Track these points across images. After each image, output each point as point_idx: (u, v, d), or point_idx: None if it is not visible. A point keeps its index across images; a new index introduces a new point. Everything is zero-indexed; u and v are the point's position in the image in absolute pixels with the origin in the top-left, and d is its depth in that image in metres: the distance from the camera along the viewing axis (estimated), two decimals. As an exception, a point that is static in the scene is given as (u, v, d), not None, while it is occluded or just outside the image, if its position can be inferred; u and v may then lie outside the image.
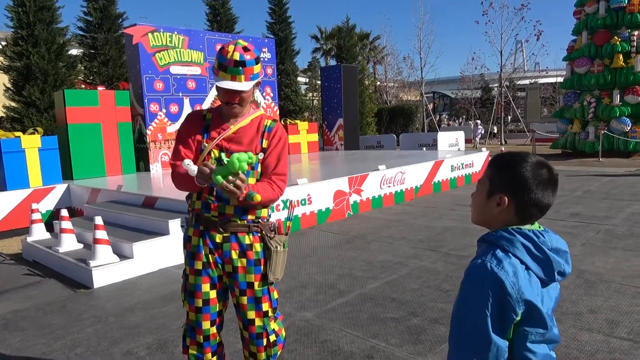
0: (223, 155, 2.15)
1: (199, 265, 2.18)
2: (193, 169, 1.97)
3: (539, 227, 1.30)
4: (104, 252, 4.80)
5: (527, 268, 1.22)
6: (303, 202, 6.77)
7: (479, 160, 10.82)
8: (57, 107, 9.34)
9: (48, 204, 7.88)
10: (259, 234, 2.21)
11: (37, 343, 3.45)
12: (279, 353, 2.37)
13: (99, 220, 4.86)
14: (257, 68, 2.10)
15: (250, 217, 2.18)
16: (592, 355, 2.85)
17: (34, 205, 6.40)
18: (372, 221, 6.99)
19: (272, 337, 2.29)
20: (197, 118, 2.24)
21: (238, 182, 1.92)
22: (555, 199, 1.28)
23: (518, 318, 1.19)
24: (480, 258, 1.23)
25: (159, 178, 9.03)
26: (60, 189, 8.10)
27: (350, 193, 7.51)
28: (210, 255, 2.18)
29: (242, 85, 2.07)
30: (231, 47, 2.04)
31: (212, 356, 2.29)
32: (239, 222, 2.16)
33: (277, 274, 2.23)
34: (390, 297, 3.96)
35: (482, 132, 13.06)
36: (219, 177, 1.91)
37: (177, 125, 10.31)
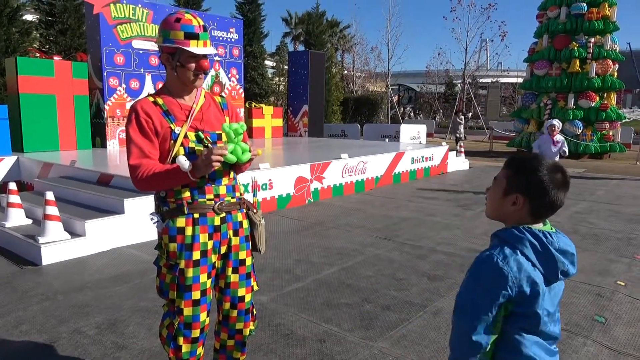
0: (200, 134, 2.08)
1: (197, 256, 2.06)
2: (188, 164, 1.90)
3: (551, 229, 1.38)
4: (54, 229, 4.64)
5: (533, 265, 1.31)
6: (264, 186, 6.75)
7: (438, 154, 11.08)
8: (8, 75, 8.86)
9: (-5, 176, 7.51)
10: (245, 210, 2.23)
11: (-21, 320, 3.32)
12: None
13: (50, 195, 4.69)
14: None
15: (237, 194, 2.18)
16: (532, 343, 3.02)
17: (-20, 177, 6.10)
18: (332, 209, 7.06)
19: (255, 310, 2.34)
20: (152, 107, 2.04)
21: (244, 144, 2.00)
22: (565, 199, 1.38)
23: (510, 306, 1.30)
24: (490, 251, 1.34)
25: (116, 155, 8.76)
26: (8, 161, 7.73)
27: (312, 180, 7.54)
28: (208, 242, 2.09)
29: (213, 49, 2.09)
30: (189, 15, 2.01)
31: (202, 347, 2.22)
32: (231, 200, 2.14)
33: (264, 246, 2.31)
34: (345, 284, 4.03)
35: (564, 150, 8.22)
36: (233, 155, 1.95)
37: (137, 102, 9.99)
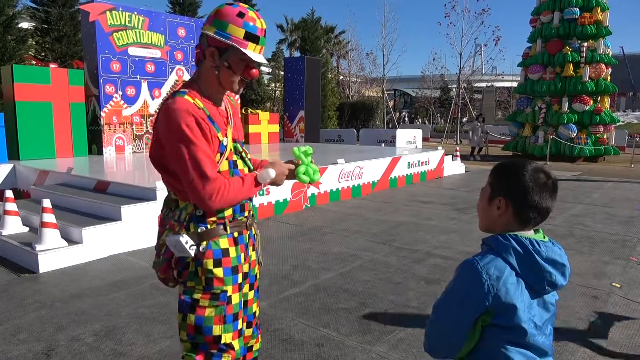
0: (238, 145, 1.86)
1: (239, 279, 1.82)
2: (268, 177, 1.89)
3: (543, 237, 1.34)
4: (51, 236, 4.64)
5: (517, 274, 1.27)
6: (261, 192, 6.76)
7: (434, 158, 11.12)
8: (4, 83, 8.86)
9: (-9, 184, 7.50)
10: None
11: (-24, 328, 3.31)
12: None
13: (47, 203, 4.69)
14: None
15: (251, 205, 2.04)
16: (528, 346, 3.04)
17: (-24, 185, 6.09)
18: (329, 214, 7.08)
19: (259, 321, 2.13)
20: (199, 111, 1.67)
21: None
22: (554, 204, 1.33)
23: (488, 319, 1.28)
24: (474, 257, 1.32)
25: (112, 162, 8.76)
26: (5, 168, 7.72)
27: (308, 185, 7.56)
28: (244, 264, 1.87)
29: (264, 59, 1.79)
30: (252, 13, 1.69)
31: None
32: (253, 214, 1.99)
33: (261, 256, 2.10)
34: (343, 288, 4.04)
35: None
36: (306, 176, 2.03)
37: (133, 109, 10.01)
